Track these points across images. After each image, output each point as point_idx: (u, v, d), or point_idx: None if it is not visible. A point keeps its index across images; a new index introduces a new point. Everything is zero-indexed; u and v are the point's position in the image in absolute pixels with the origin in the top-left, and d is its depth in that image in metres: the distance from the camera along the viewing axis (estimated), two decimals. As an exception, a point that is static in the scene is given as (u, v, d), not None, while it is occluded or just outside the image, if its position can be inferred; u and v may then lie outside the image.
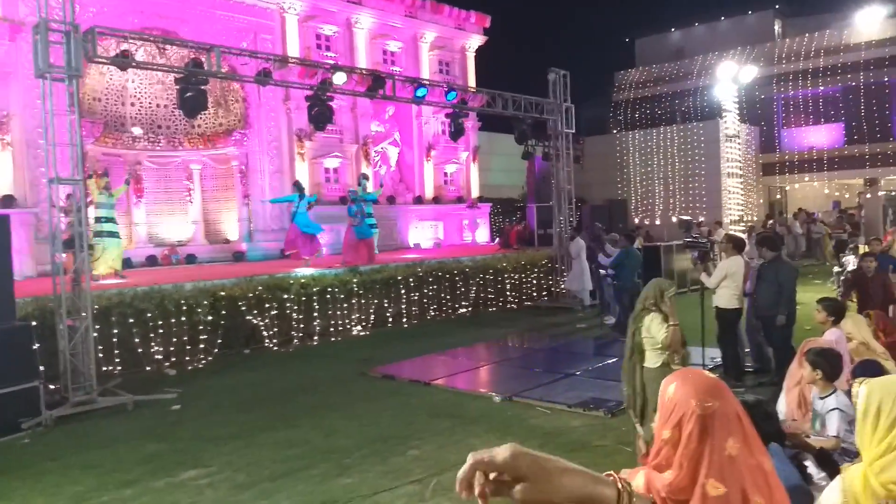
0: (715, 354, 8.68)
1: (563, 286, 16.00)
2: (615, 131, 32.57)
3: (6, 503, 5.41)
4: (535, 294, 16.28)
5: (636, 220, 26.83)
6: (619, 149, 28.79)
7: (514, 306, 15.62)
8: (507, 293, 15.70)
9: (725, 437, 1.59)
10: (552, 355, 11.00)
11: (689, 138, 27.23)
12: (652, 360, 4.92)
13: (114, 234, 12.88)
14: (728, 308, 8.36)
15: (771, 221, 25.45)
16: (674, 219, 25.28)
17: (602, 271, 13.15)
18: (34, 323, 8.15)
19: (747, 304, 8.70)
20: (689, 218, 21.34)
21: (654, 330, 4.88)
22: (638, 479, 1.78)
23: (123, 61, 9.63)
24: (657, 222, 27.17)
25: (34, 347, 7.74)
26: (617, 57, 36.62)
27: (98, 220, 12.69)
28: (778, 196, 33.10)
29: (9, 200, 14.05)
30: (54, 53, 8.33)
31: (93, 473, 5.97)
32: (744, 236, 11.50)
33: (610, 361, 9.86)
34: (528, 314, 14.86)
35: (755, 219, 27.65)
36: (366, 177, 17.51)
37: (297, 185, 15.23)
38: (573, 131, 16.32)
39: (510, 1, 49.45)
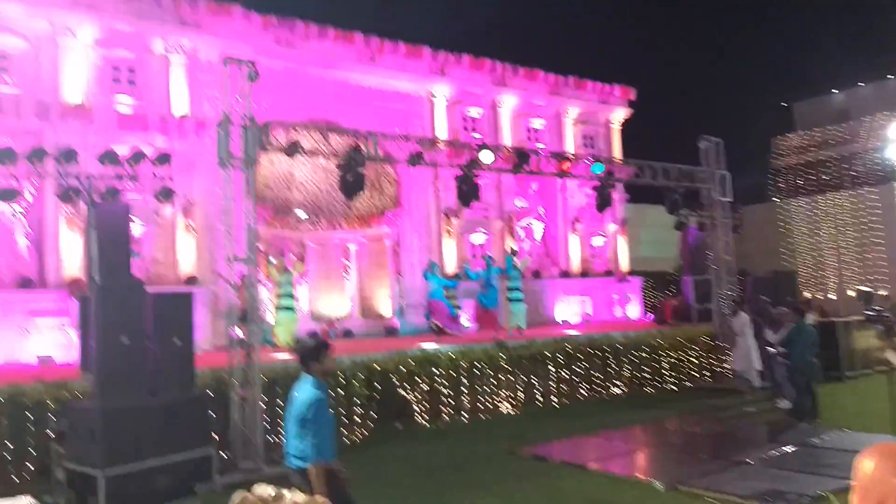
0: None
1: (727, 366, 14.85)
2: (775, 199, 30.67)
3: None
4: (695, 374, 15.20)
5: (806, 294, 24.69)
6: (781, 217, 27.00)
7: (674, 387, 14.65)
8: (665, 372, 14.78)
9: None
10: (718, 440, 10.15)
11: (863, 204, 25.01)
12: None
13: (289, 309, 14.00)
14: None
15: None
16: (849, 292, 23.03)
17: (770, 349, 12.09)
18: (209, 393, 8.78)
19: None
20: (869, 289, 19.29)
21: None
22: None
23: (293, 149, 10.52)
24: (830, 296, 24.84)
25: (210, 416, 8.30)
26: (773, 122, 34.71)
27: (279, 296, 14.29)
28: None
29: (191, 281, 15.51)
30: (233, 144, 9.28)
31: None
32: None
33: (787, 449, 8.92)
34: (688, 396, 13.87)
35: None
36: (514, 251, 17.55)
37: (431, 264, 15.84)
38: (730, 200, 15.51)
39: (655, 70, 48.99)
